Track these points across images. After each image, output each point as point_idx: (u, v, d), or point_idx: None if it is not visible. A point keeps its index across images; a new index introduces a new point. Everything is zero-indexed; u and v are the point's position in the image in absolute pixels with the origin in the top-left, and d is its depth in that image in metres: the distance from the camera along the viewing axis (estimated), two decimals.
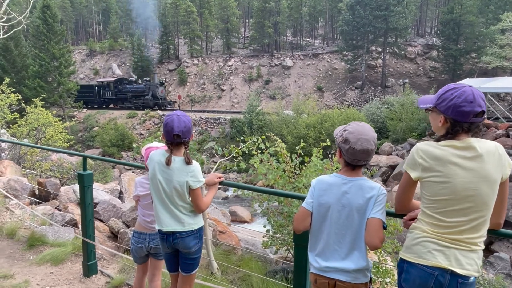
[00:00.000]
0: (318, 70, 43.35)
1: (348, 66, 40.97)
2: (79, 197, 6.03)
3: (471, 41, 37.69)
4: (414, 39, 46.31)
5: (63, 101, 36.41)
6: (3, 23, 5.43)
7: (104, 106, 39.01)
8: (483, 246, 1.73)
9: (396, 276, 3.60)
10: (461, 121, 1.70)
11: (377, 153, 20.44)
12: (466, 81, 28.63)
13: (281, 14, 46.48)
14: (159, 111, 34.96)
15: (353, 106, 33.75)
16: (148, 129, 33.94)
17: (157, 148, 2.68)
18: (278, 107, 30.70)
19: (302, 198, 2.37)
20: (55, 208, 6.18)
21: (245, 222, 15.80)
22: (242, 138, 4.60)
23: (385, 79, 40.14)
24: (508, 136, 16.87)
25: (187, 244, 2.47)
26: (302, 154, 3.87)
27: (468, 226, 1.68)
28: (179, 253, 2.57)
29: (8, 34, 6.12)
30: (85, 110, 38.17)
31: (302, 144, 4.02)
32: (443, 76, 39.23)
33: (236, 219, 15.53)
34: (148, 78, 38.76)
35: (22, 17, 5.19)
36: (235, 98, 42.91)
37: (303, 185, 3.38)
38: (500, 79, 24.12)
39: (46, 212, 5.61)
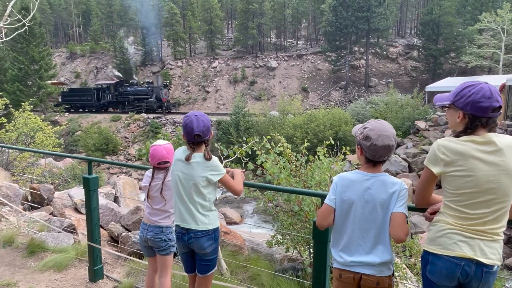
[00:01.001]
0: (302, 71, 43.71)
1: (332, 66, 41.48)
2: (75, 202, 5.94)
3: (450, 41, 38.75)
4: (395, 39, 47.27)
5: (44, 105, 35.58)
6: (7, 26, 5.30)
7: (103, 110, 37.31)
8: (503, 236, 1.81)
9: (406, 270, 3.70)
10: (480, 116, 1.76)
11: None
12: (446, 80, 29.41)
13: (264, 16, 46.67)
14: (143, 114, 34.47)
15: (338, 106, 34.16)
16: (133, 132, 33.48)
17: (159, 146, 2.77)
18: (264, 108, 30.79)
19: (322, 196, 2.42)
20: (50, 214, 6.06)
21: (235, 223, 15.83)
22: (244, 139, 4.62)
23: (368, 79, 40.81)
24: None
25: (202, 244, 2.47)
26: (307, 153, 3.93)
27: (491, 217, 1.75)
28: (195, 254, 2.59)
29: (11, 37, 5.96)
30: (66, 114, 37.31)
31: (306, 144, 4.08)
32: (424, 75, 40.17)
33: (226, 221, 15.51)
34: (150, 80, 37.39)
35: (26, 20, 5.07)
36: (221, 100, 42.82)
37: (315, 183, 3.43)
38: (479, 78, 24.85)
39: (41, 218, 5.49)
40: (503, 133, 17.41)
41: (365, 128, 2.06)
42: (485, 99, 1.75)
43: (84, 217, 5.80)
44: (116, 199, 6.94)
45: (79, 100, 37.39)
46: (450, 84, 26.12)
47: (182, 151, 2.52)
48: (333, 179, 2.18)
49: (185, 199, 2.46)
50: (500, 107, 1.78)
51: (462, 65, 35.73)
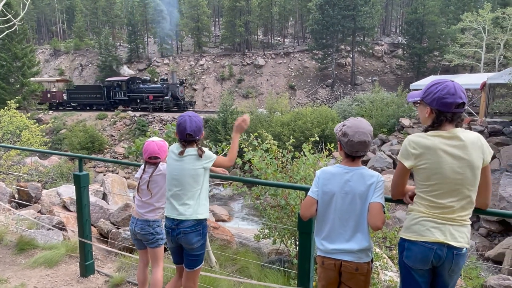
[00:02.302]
0: (289, 69, 43.93)
1: (319, 64, 41.82)
2: (63, 199, 5.97)
3: (434, 40, 39.50)
4: (381, 38, 47.90)
5: (27, 103, 34.92)
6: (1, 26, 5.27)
7: (112, 108, 35.25)
8: (470, 222, 1.98)
9: (387, 260, 3.88)
10: (445, 111, 1.92)
11: None
12: (430, 79, 29.99)
13: (251, 13, 46.69)
14: (129, 112, 34.15)
15: (324, 104, 34.52)
16: (119, 130, 33.17)
17: (152, 142, 2.89)
18: (252, 105, 30.90)
19: (306, 189, 2.56)
20: (38, 212, 6.06)
21: (223, 221, 15.89)
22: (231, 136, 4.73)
23: (355, 77, 41.29)
24: (470, 129, 17.93)
25: (190, 240, 2.58)
26: (293, 149, 4.07)
27: (458, 205, 1.91)
28: (183, 249, 2.70)
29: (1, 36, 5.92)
30: (50, 112, 36.67)
31: (292, 140, 4.22)
32: (408, 73, 40.85)
33: (215, 218, 15.58)
34: (165, 77, 35.51)
35: (17, 20, 5.05)
36: (208, 98, 42.74)
37: (300, 178, 3.57)
38: (461, 76, 25.46)
39: (30, 216, 5.50)
40: (483, 130, 17.94)
41: (344, 125, 2.22)
42: (449, 96, 1.91)
43: (73, 214, 5.84)
44: (104, 197, 6.97)
45: (87, 97, 35.55)
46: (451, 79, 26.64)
47: (176, 147, 2.66)
48: (316, 173, 2.33)
49: (178, 192, 2.58)
50: (463, 103, 1.93)
51: (445, 63, 36.47)
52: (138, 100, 33.93)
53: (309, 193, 2.28)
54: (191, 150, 2.59)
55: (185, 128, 2.55)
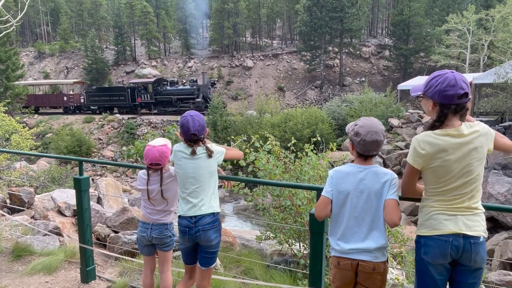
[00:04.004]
0: (278, 70, 44.08)
1: (307, 66, 42.08)
2: (58, 204, 5.84)
3: (420, 41, 40.18)
4: (368, 39, 48.47)
5: (12, 106, 34.14)
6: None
7: (136, 112, 33.36)
8: (483, 210, 1.99)
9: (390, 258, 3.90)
10: (448, 104, 1.92)
11: (339, 149, 21.24)
12: (417, 79, 30.46)
13: (239, 15, 46.72)
14: (117, 115, 33.67)
15: (314, 105, 34.70)
16: (107, 133, 32.72)
17: (153, 147, 2.76)
18: (241, 107, 30.86)
19: (317, 189, 2.55)
20: (31, 217, 5.91)
21: None
22: (232, 137, 4.71)
23: (343, 78, 41.67)
24: None
25: (209, 236, 2.58)
26: (295, 150, 4.07)
27: (468, 196, 1.94)
28: (198, 247, 2.67)
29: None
30: (36, 115, 35.94)
31: (293, 141, 4.22)
32: (395, 74, 41.42)
33: None
34: (194, 78, 33.75)
35: (15, 20, 4.92)
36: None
37: (308, 178, 3.56)
38: None
39: (23, 222, 5.37)
40: None
41: (356, 125, 2.22)
42: (450, 87, 1.89)
43: (68, 219, 5.72)
44: (99, 200, 6.85)
45: (108, 100, 33.65)
46: (420, 82, 27.03)
47: (184, 147, 2.64)
48: (329, 173, 2.32)
49: (197, 189, 2.59)
50: (466, 93, 1.90)
51: (432, 64, 37.11)
52: (165, 103, 32.15)
53: (323, 193, 2.27)
54: (201, 149, 2.61)
55: (189, 128, 2.57)
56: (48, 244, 4.62)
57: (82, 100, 35.27)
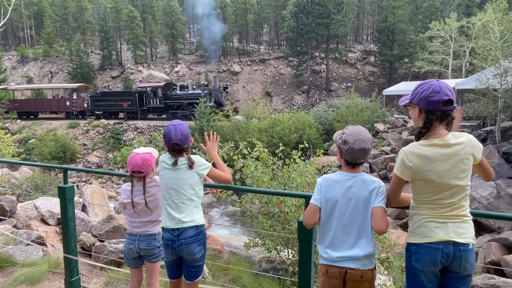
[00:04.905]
0: (265, 76, 44.27)
1: (294, 71, 42.40)
2: (42, 213, 5.71)
3: (404, 47, 40.97)
4: (354, 45, 49.16)
5: None
6: None
7: (141, 117, 32.48)
8: (471, 217, 2.03)
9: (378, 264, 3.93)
10: (433, 110, 1.95)
11: (326, 154, 21.39)
12: (402, 84, 31.02)
13: (227, 21, 46.84)
14: (103, 120, 33.19)
15: (301, 110, 34.94)
16: (92, 139, 32.23)
17: (136, 154, 2.74)
18: (229, 112, 30.75)
19: (305, 196, 2.56)
20: (13, 226, 5.76)
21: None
22: (220, 144, 4.69)
23: (329, 84, 42.10)
24: None
25: (192, 250, 2.53)
26: (282, 156, 4.08)
27: (456, 205, 1.97)
28: (182, 260, 2.63)
29: None
30: (18, 121, 35.10)
31: (281, 147, 4.23)
32: (381, 79, 42.07)
33: None
34: (205, 82, 32.78)
35: (2, 23, 4.80)
36: None
37: (296, 185, 3.57)
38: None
39: (4, 232, 5.22)
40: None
41: (343, 133, 2.24)
42: (435, 94, 1.94)
43: (52, 228, 5.59)
44: (84, 208, 6.72)
45: (114, 105, 32.67)
46: (405, 88, 27.62)
47: (168, 157, 2.61)
48: (317, 180, 2.33)
49: (176, 201, 2.54)
50: (451, 100, 1.95)
51: (416, 70, 37.85)
52: (176, 107, 31.47)
53: (312, 200, 2.27)
54: (183, 160, 2.56)
55: (171, 138, 2.53)
56: (31, 254, 4.51)
57: (85, 105, 34.34)
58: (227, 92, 32.91)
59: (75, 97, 36.16)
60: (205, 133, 2.81)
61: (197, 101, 29.37)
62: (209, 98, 30.33)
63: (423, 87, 1.99)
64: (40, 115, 36.82)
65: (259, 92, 42.58)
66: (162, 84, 32.94)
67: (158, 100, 31.77)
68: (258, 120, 27.17)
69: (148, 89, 32.44)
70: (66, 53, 48.92)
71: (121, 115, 33.95)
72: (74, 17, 56.27)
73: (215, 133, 2.81)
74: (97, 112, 33.89)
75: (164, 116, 31.97)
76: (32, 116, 36.16)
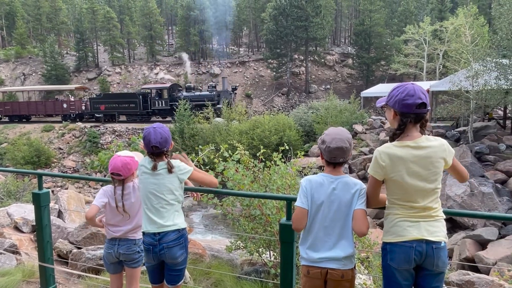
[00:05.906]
0: (245, 78, 44.33)
1: (274, 73, 42.68)
2: (15, 220, 5.50)
3: (380, 50, 41.96)
4: (332, 48, 49.91)
5: None
6: None
7: (147, 120, 31.17)
8: (443, 216, 2.10)
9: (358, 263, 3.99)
10: (407, 112, 2.01)
11: (307, 155, 21.57)
12: (379, 86, 31.71)
13: (206, 22, 46.67)
14: (79, 123, 32.29)
15: (281, 112, 35.14)
16: (68, 143, 31.36)
17: (118, 157, 2.72)
18: (210, 114, 30.56)
19: (287, 199, 2.57)
20: None
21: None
22: (199, 147, 4.66)
23: (309, 86, 42.58)
24: None
25: (174, 254, 2.51)
26: (263, 159, 4.09)
27: (429, 205, 2.04)
28: (164, 265, 2.60)
29: None
30: None
31: (262, 150, 4.24)
32: (358, 81, 42.87)
33: None
34: (213, 84, 31.86)
35: None
36: None
37: (277, 188, 3.58)
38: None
39: None
40: (428, 134, 19.23)
41: (323, 134, 2.27)
42: (409, 97, 2.00)
43: (27, 236, 5.40)
44: (60, 214, 6.52)
45: (117, 107, 31.26)
46: (382, 89, 28.23)
47: (147, 161, 2.57)
48: (302, 183, 2.33)
49: (156, 205, 2.51)
50: (424, 103, 2.01)
51: (392, 72, 38.77)
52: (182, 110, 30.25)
53: (299, 204, 2.25)
54: (163, 164, 2.53)
55: (150, 140, 2.51)
56: (4, 263, 4.34)
57: (83, 108, 32.92)
58: (235, 93, 32.19)
59: (73, 99, 34.81)
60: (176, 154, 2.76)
61: (205, 103, 28.30)
62: (218, 99, 29.45)
63: (398, 90, 2.05)
64: (34, 119, 35.11)
65: (239, 94, 42.53)
66: (168, 85, 31.79)
67: (163, 102, 30.48)
68: (238, 122, 27.14)
69: (152, 90, 31.24)
70: (39, 54, 47.52)
71: (122, 117, 32.77)
72: (48, 18, 54.72)
73: (183, 153, 2.80)
74: (97, 115, 32.50)
75: (170, 118, 30.59)
76: (24, 120, 34.32)
